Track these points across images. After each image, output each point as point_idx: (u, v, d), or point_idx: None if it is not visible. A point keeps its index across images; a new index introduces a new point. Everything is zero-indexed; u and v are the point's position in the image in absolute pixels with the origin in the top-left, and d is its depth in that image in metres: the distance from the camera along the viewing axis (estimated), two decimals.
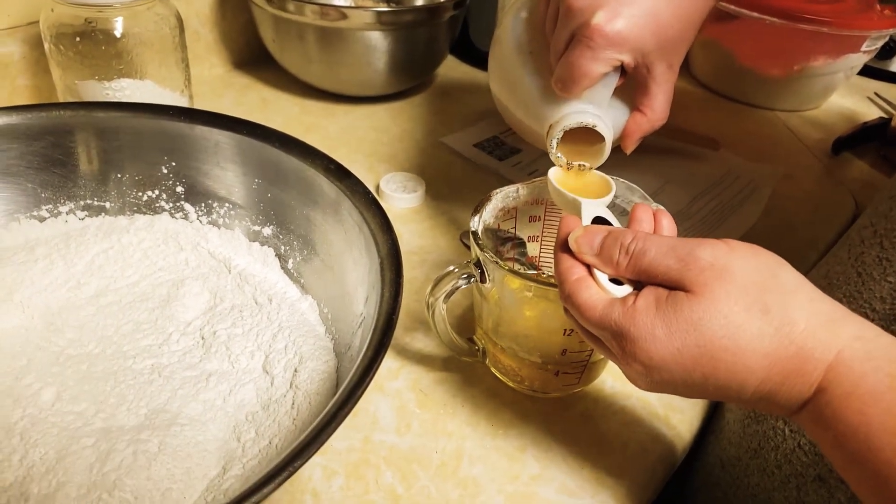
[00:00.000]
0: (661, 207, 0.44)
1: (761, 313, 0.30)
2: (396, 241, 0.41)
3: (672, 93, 0.45)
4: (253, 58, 0.87)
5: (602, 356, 0.45)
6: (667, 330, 0.31)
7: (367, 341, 0.36)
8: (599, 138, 0.44)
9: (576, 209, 0.40)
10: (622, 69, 0.44)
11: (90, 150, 0.50)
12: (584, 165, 0.45)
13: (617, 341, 0.33)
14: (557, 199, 0.42)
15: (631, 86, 0.46)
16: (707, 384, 0.32)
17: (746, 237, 0.64)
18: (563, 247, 0.36)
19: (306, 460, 0.29)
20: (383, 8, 0.83)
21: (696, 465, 0.50)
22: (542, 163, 0.72)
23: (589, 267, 0.36)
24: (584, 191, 0.42)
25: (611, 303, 0.33)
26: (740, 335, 0.30)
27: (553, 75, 0.44)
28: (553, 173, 0.43)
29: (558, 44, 0.43)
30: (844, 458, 0.29)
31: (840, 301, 0.32)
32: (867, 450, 0.28)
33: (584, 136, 0.44)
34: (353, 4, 0.88)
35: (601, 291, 0.34)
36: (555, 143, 0.44)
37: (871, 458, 0.28)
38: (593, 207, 0.39)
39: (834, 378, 0.30)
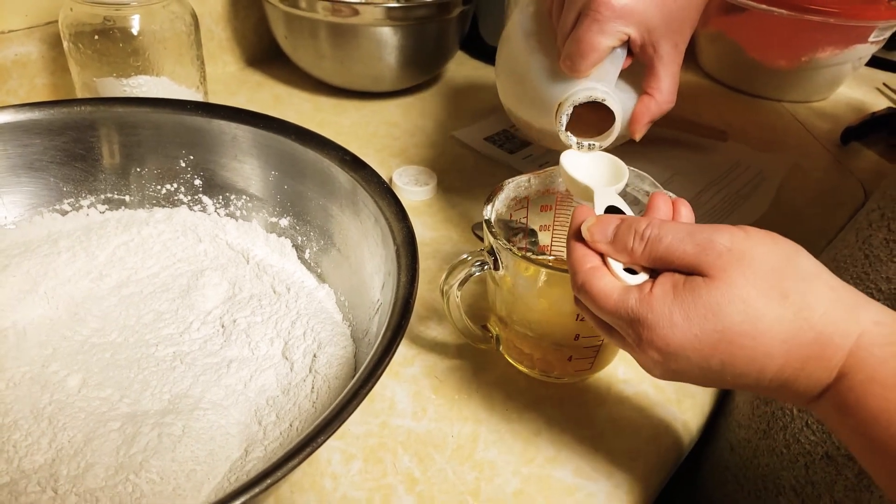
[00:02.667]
0: (671, 195, 0.44)
1: (780, 298, 0.30)
2: (412, 228, 0.42)
3: (678, 75, 0.46)
4: (265, 55, 0.88)
5: None
6: (685, 315, 0.31)
7: (385, 325, 0.36)
8: (609, 120, 0.45)
9: (588, 196, 0.41)
10: (629, 50, 0.44)
11: (111, 145, 0.52)
12: (593, 145, 0.45)
13: (633, 329, 0.33)
14: (570, 185, 0.43)
15: (638, 72, 0.46)
16: (724, 371, 0.31)
17: (756, 227, 0.65)
18: (576, 236, 0.36)
19: (328, 437, 0.30)
20: (394, 4, 0.84)
21: (706, 450, 0.51)
22: (552, 155, 0.73)
23: (603, 257, 0.35)
24: (595, 178, 0.42)
25: (626, 290, 0.33)
26: (759, 320, 0.30)
27: (561, 55, 0.44)
28: (565, 159, 0.44)
29: (566, 24, 0.43)
30: (865, 444, 0.29)
31: (847, 282, 0.32)
32: (889, 435, 0.28)
33: (593, 122, 0.45)
34: (363, 0, 0.89)
35: (616, 280, 0.34)
36: (564, 119, 0.45)
37: (893, 443, 0.28)
38: (606, 195, 0.40)
39: (855, 363, 0.29)
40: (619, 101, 0.45)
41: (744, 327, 0.30)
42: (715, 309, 0.31)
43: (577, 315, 0.43)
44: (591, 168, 0.44)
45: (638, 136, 0.48)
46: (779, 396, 0.34)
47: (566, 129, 0.45)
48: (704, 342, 0.31)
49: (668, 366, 0.33)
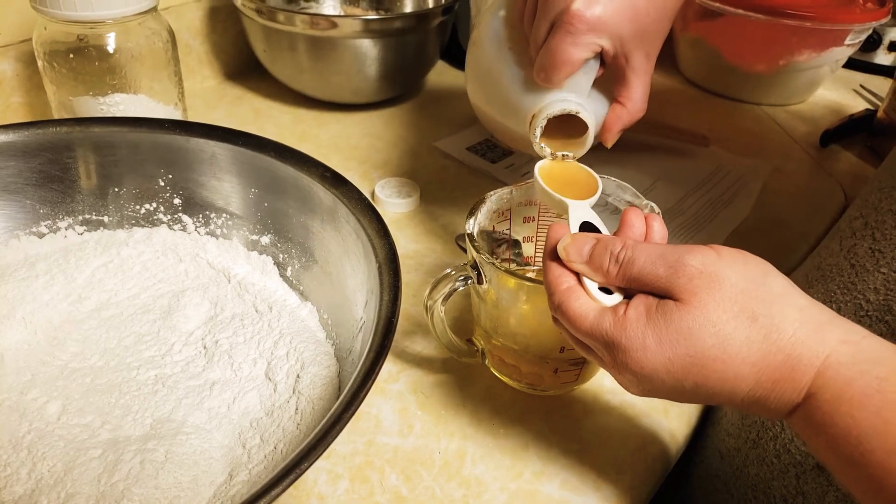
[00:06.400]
0: (654, 205, 0.44)
1: (749, 321, 0.31)
2: (394, 245, 0.42)
3: (649, 84, 0.46)
4: (244, 69, 0.88)
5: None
6: (657, 340, 0.32)
7: (368, 345, 0.36)
8: (582, 129, 0.45)
9: (562, 209, 0.41)
10: (601, 60, 0.44)
11: (87, 166, 0.51)
12: (567, 155, 0.45)
13: (608, 351, 0.33)
14: (544, 198, 0.43)
15: (610, 79, 0.46)
16: (698, 391, 0.32)
17: (738, 231, 0.65)
18: (552, 255, 0.37)
19: (312, 462, 0.30)
20: (373, 16, 0.84)
21: (695, 459, 0.51)
22: (533, 165, 0.73)
23: (578, 275, 0.36)
24: (570, 190, 0.42)
25: (601, 312, 0.34)
26: (729, 343, 0.31)
27: (534, 66, 0.44)
28: (539, 172, 0.44)
29: (538, 35, 0.44)
30: (838, 460, 0.30)
31: (834, 292, 0.32)
32: (859, 453, 0.28)
33: (566, 129, 0.45)
34: (342, 13, 0.89)
35: (591, 301, 0.35)
36: (538, 131, 0.45)
37: (863, 461, 0.28)
38: (580, 209, 0.40)
39: (823, 383, 0.30)
40: (592, 110, 0.46)
41: (714, 351, 0.31)
42: (686, 333, 0.31)
43: None
44: (566, 178, 0.44)
45: (609, 144, 0.48)
46: (753, 412, 0.35)
47: (539, 140, 0.45)
48: (677, 365, 0.32)
49: (643, 386, 0.33)
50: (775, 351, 0.31)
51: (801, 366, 0.30)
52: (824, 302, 0.42)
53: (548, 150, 0.45)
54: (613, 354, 0.33)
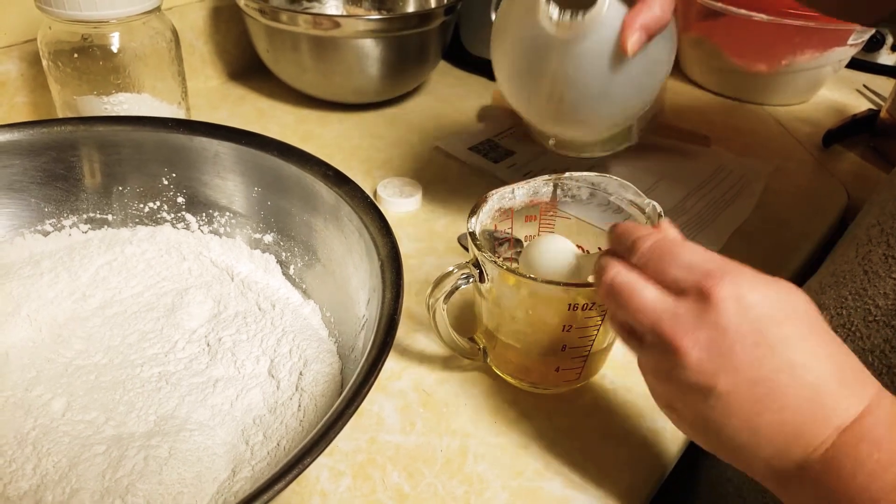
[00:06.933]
0: (655, 204, 0.45)
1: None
2: (396, 243, 0.42)
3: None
4: (247, 69, 0.88)
5: (606, 343, 0.46)
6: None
7: (371, 342, 0.36)
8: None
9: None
10: None
11: (92, 164, 0.51)
12: (576, 14, 0.45)
13: (703, 279, 0.32)
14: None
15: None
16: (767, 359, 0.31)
17: (740, 231, 0.66)
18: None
19: (315, 457, 0.30)
20: (375, 16, 0.84)
21: (706, 462, 0.51)
22: (536, 164, 0.73)
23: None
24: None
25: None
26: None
27: None
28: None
29: None
30: None
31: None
32: None
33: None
34: (344, 13, 0.89)
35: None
36: None
37: None
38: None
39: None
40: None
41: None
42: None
43: (564, 326, 0.43)
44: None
45: (628, 45, 0.46)
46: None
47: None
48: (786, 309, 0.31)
49: (718, 330, 0.31)
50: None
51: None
52: (835, 308, 0.42)
53: (555, 11, 0.45)
54: (707, 283, 0.32)
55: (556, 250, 0.44)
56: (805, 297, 0.32)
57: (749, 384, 0.31)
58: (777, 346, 0.31)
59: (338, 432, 0.31)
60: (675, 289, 0.33)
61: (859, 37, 0.85)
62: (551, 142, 0.60)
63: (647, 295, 0.33)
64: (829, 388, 0.30)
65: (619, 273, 0.35)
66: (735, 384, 0.31)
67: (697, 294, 0.32)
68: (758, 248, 0.63)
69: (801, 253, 0.64)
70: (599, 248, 0.45)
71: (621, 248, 0.36)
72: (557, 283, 0.42)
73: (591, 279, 0.40)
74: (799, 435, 0.30)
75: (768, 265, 0.40)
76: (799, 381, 0.30)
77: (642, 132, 0.60)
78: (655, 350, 0.33)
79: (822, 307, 0.35)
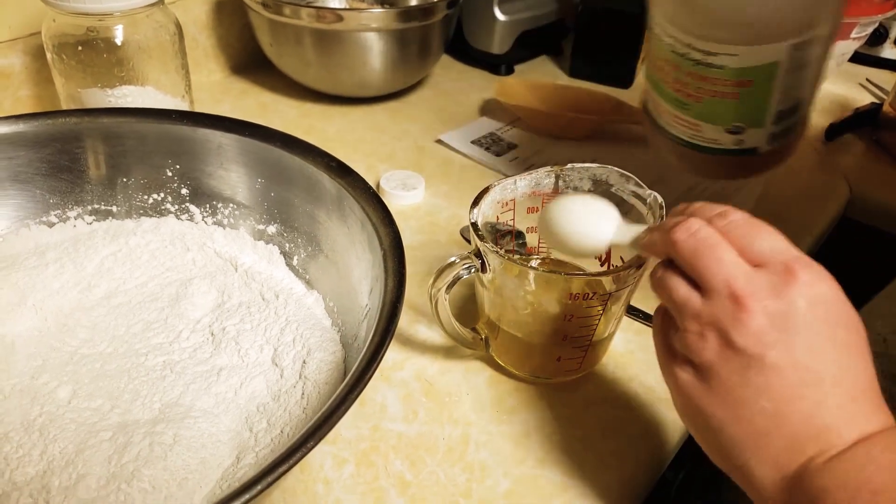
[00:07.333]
0: (657, 195, 0.45)
1: None
2: (398, 233, 0.43)
3: None
4: (250, 63, 0.88)
5: (607, 333, 0.46)
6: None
7: (373, 329, 0.37)
8: None
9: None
10: None
11: (96, 156, 0.52)
12: None
13: (791, 259, 0.32)
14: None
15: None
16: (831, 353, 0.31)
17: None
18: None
19: (319, 441, 0.30)
20: (378, 9, 0.84)
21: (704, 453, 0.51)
22: (538, 158, 0.74)
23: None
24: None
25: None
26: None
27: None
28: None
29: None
30: None
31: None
32: None
33: None
34: (347, 7, 0.89)
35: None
36: None
37: None
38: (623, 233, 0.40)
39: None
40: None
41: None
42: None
43: (565, 315, 0.44)
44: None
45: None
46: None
47: None
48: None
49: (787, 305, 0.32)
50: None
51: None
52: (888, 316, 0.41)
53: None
54: (791, 265, 0.32)
55: (591, 211, 0.40)
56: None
57: (797, 368, 0.31)
58: (838, 345, 0.31)
59: (339, 418, 0.32)
60: (757, 260, 0.33)
61: (863, 30, 0.85)
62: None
63: (728, 254, 0.33)
64: (862, 405, 0.31)
65: (704, 228, 0.34)
66: (784, 363, 0.31)
67: (782, 269, 0.32)
68: None
69: (802, 246, 0.64)
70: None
71: (703, 215, 0.35)
72: (558, 273, 0.42)
73: (624, 254, 0.38)
74: (819, 434, 0.31)
75: None
76: (841, 384, 0.31)
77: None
78: (719, 302, 0.33)
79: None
